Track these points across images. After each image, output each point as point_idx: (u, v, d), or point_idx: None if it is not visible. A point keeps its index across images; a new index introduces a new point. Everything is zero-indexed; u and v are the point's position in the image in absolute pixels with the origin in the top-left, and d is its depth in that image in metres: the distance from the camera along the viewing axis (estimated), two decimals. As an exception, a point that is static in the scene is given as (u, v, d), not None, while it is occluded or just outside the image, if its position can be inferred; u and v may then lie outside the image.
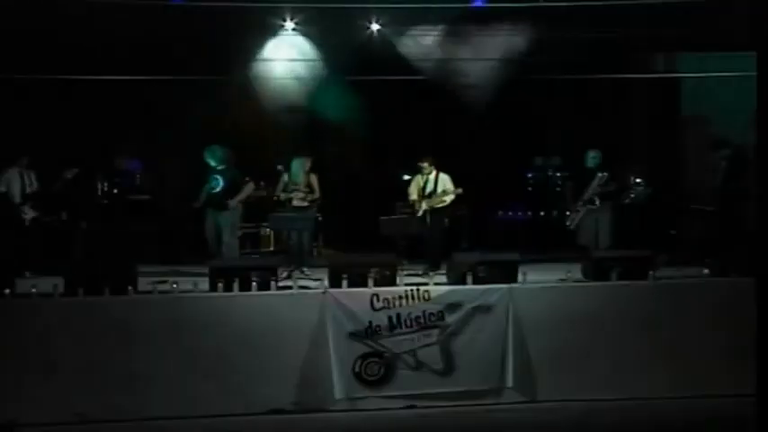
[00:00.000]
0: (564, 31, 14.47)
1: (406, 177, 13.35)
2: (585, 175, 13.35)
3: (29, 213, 12.89)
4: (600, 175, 13.16)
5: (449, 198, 13.10)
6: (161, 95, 14.10)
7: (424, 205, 13.11)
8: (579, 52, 14.69)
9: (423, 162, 13.16)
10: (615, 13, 13.74)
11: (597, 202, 13.14)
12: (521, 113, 15.75)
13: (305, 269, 12.48)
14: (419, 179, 13.23)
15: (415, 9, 13.83)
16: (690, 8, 13.15)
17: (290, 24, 14.40)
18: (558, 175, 15.67)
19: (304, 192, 13.01)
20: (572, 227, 13.35)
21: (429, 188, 13.12)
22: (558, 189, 15.56)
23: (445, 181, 13.15)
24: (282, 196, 13.18)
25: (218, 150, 13.01)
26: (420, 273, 12.31)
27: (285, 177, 13.14)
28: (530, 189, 16.12)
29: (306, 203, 13.09)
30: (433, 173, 13.15)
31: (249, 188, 13.08)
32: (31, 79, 13.41)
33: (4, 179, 12.89)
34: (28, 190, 12.95)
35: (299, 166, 13.06)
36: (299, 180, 13.02)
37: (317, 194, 13.10)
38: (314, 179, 13.10)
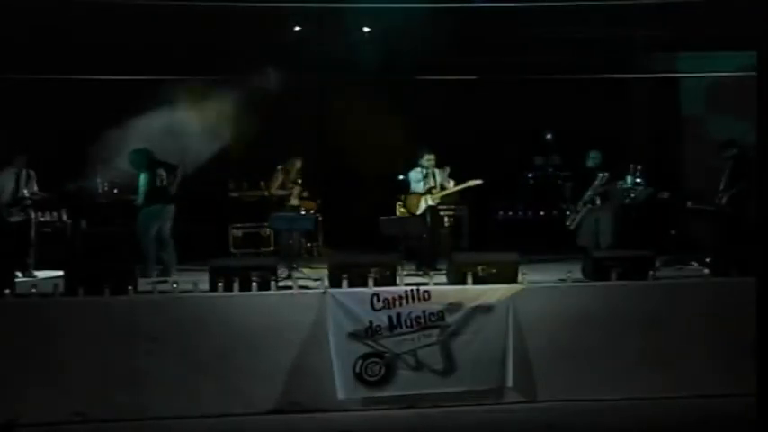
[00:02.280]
0: (564, 30, 14.51)
1: (401, 177, 13.34)
2: (586, 175, 13.35)
3: (16, 216, 12.81)
4: (601, 175, 13.16)
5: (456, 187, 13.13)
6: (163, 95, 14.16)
7: (429, 201, 13.08)
8: (579, 52, 14.72)
9: (424, 158, 13.12)
10: (615, 12, 13.77)
11: (598, 202, 13.15)
12: (520, 113, 15.75)
13: (298, 268, 12.43)
14: (420, 175, 13.16)
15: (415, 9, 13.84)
16: (690, 8, 13.16)
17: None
18: (559, 174, 15.66)
19: (298, 191, 13.17)
20: (572, 227, 13.36)
21: (429, 183, 13.09)
22: (559, 184, 15.53)
23: (443, 175, 13.15)
24: (278, 192, 13.29)
25: (136, 154, 13.01)
26: (420, 272, 12.31)
27: (281, 176, 13.26)
28: (529, 189, 16.12)
29: (298, 202, 13.21)
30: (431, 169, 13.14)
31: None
32: (31, 79, 13.42)
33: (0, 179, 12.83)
34: (25, 191, 12.86)
35: (291, 167, 13.21)
36: (293, 178, 13.17)
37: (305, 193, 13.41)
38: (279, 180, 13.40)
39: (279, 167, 13.50)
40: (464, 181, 13.19)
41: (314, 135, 15.13)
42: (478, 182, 13.16)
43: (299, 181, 13.40)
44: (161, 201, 12.87)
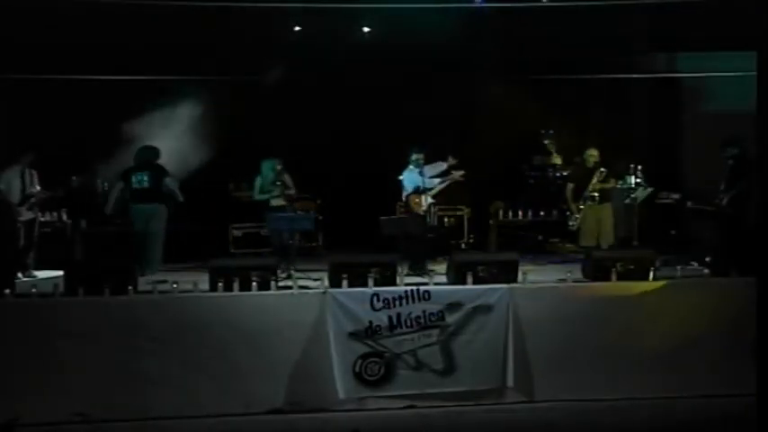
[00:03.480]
0: (563, 30, 14.51)
1: (401, 178, 13.37)
2: (585, 175, 13.36)
3: (24, 215, 12.81)
4: (600, 171, 13.18)
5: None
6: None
7: (429, 199, 13.10)
8: (579, 52, 14.71)
9: (413, 156, 13.12)
10: (615, 12, 13.77)
11: (597, 198, 13.17)
12: (520, 113, 15.76)
13: (292, 268, 12.39)
14: (414, 173, 13.16)
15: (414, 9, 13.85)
16: (690, 8, 13.16)
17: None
18: (558, 174, 15.64)
19: (279, 191, 13.12)
20: (574, 228, 13.37)
21: (423, 181, 13.11)
22: (559, 184, 15.50)
23: (433, 171, 13.19)
24: (259, 197, 13.24)
25: (147, 151, 13.28)
26: (417, 273, 12.30)
27: (259, 179, 13.21)
28: (529, 189, 16.09)
29: (283, 202, 13.17)
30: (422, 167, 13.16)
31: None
32: (32, 78, 13.43)
33: (5, 178, 12.81)
34: (28, 190, 12.88)
35: (270, 168, 13.15)
36: (270, 180, 13.12)
37: (292, 190, 13.32)
38: (287, 178, 13.27)
39: (278, 167, 13.46)
40: (462, 183, 13.24)
41: (314, 134, 15.11)
42: (461, 172, 13.16)
43: (283, 181, 13.27)
44: (139, 201, 13.10)
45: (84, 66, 13.83)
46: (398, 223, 12.91)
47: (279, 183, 13.17)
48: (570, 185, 13.71)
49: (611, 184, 13.38)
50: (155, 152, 13.29)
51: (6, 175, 12.78)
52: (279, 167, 13.22)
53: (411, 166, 13.11)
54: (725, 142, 13.08)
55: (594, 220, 13.22)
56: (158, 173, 13.12)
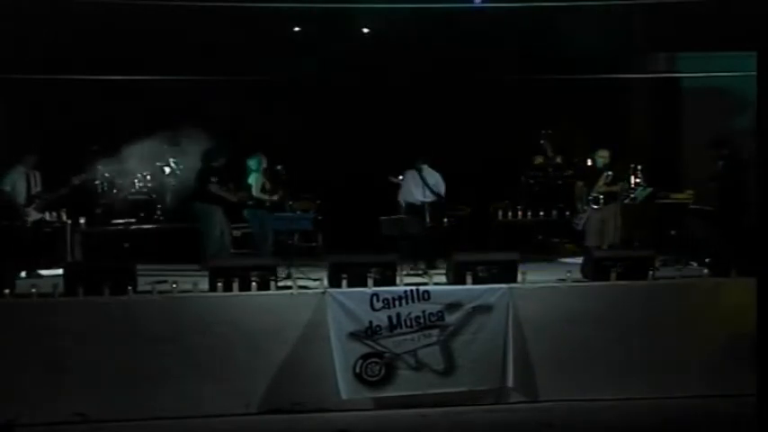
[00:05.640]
0: (564, 30, 14.53)
1: (401, 178, 13.41)
2: (593, 175, 13.34)
3: (32, 215, 12.82)
4: (606, 174, 13.17)
5: None
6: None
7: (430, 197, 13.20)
8: (579, 52, 14.72)
9: (422, 162, 13.22)
10: (616, 12, 13.78)
11: (602, 201, 13.17)
12: (520, 112, 15.76)
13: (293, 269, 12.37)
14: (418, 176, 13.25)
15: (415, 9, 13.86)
16: (690, 8, 13.17)
17: None
18: (559, 175, 15.65)
19: (269, 190, 13.15)
20: (579, 227, 13.38)
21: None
22: (559, 184, 15.50)
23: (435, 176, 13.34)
24: (259, 195, 13.24)
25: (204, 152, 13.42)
26: (420, 272, 12.29)
27: (254, 176, 13.24)
28: (529, 189, 16.09)
29: (276, 198, 13.24)
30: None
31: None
32: (30, 79, 13.43)
33: (10, 179, 12.82)
34: (33, 191, 12.88)
35: (256, 166, 13.14)
36: (256, 178, 13.13)
37: (280, 191, 13.33)
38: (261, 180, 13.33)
39: (278, 167, 13.48)
40: (461, 183, 13.33)
41: (314, 135, 15.13)
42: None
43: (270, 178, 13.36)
44: None
45: (83, 66, 13.82)
46: (398, 223, 12.93)
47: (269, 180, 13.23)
48: (579, 184, 13.68)
49: (616, 187, 13.36)
50: (205, 154, 13.31)
51: (11, 176, 12.80)
52: (264, 166, 13.23)
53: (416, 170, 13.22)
54: (715, 142, 13.10)
55: (599, 220, 13.21)
56: (199, 174, 13.19)
